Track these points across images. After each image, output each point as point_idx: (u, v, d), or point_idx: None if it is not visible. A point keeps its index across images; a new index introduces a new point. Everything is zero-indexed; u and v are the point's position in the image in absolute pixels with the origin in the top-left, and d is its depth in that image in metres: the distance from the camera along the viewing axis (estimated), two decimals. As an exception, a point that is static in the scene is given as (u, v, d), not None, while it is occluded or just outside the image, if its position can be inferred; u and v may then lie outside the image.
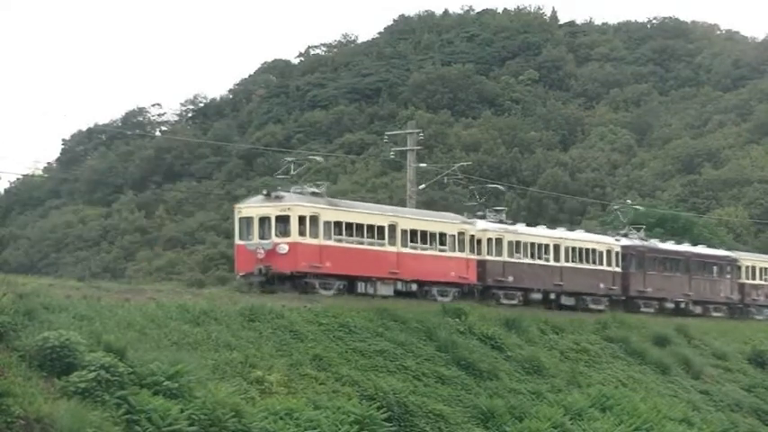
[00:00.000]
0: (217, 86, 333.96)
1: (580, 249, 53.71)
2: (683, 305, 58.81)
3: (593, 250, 54.51)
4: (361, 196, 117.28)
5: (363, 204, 48.40)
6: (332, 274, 41.22)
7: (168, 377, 23.18)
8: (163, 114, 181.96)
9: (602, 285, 54.29)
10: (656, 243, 60.50)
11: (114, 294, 29.06)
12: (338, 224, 42.10)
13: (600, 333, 42.31)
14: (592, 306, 52.59)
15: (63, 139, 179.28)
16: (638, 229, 61.21)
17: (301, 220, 40.77)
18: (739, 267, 63.84)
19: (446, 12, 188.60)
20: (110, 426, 21.12)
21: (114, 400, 21.82)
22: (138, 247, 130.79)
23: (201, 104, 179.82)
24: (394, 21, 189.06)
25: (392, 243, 43.92)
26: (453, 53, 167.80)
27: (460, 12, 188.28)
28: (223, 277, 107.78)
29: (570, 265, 52.78)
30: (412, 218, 46.27)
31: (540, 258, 51.38)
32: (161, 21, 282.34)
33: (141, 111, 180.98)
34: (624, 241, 57.34)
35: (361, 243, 42.90)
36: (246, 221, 41.72)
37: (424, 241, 45.39)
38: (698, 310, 59.72)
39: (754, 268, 64.93)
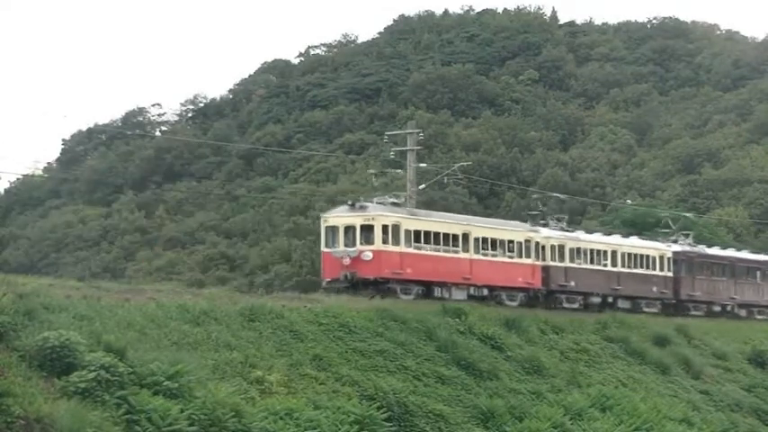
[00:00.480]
0: (217, 86, 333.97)
1: (635, 255, 56.29)
2: (728, 308, 61.19)
3: (647, 256, 57.17)
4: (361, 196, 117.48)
5: (439, 213, 50.67)
6: (411, 279, 43.70)
7: (168, 377, 23.17)
8: (163, 114, 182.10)
9: (654, 289, 56.79)
10: (703, 249, 63.01)
11: (114, 294, 29.04)
12: (417, 233, 44.59)
13: (600, 333, 42.32)
14: (645, 309, 54.77)
15: (63, 139, 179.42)
16: (687, 236, 63.79)
17: (384, 228, 43.32)
18: None
19: (446, 12, 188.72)
20: (110, 426, 21.12)
21: (114, 400, 21.81)
22: (138, 247, 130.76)
23: (201, 104, 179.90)
24: (394, 21, 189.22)
25: (465, 250, 46.44)
26: (453, 53, 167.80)
27: (460, 12, 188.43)
28: (223, 277, 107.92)
29: (626, 270, 55.29)
30: (483, 226, 49.10)
31: (598, 264, 53.83)
32: (161, 21, 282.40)
33: (141, 111, 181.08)
34: (675, 247, 59.78)
35: (438, 250, 45.35)
36: (332, 230, 44.20)
37: (494, 248, 47.94)
38: (743, 312, 62.00)
39: None
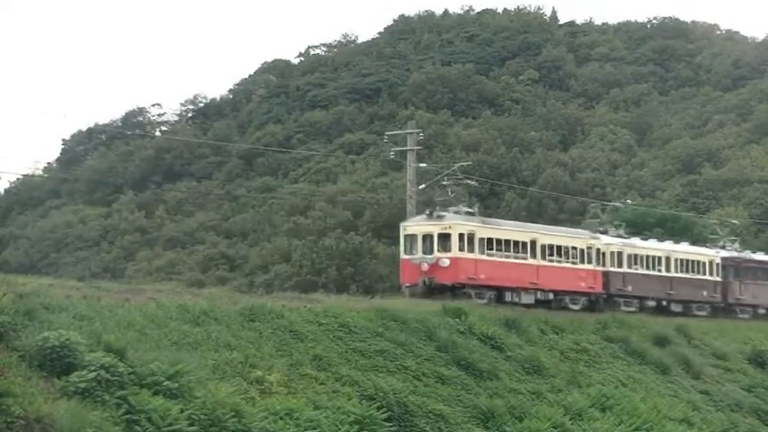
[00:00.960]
0: (217, 86, 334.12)
1: (687, 261, 58.96)
2: None
3: (698, 261, 59.77)
4: (361, 196, 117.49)
5: (507, 222, 54.19)
6: (485, 284, 46.30)
7: (168, 377, 23.16)
8: (163, 114, 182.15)
9: (704, 293, 59.36)
10: (749, 254, 65.46)
11: (114, 294, 29.03)
12: (489, 240, 47.35)
13: (600, 333, 42.30)
14: (696, 312, 57.19)
15: (63, 139, 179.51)
16: (733, 242, 66.71)
17: (460, 237, 46.14)
18: None
19: (446, 12, 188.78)
20: (110, 426, 21.11)
21: (114, 400, 21.80)
22: (138, 247, 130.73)
23: (201, 104, 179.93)
24: (394, 21, 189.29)
25: (533, 257, 49.20)
26: (453, 53, 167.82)
27: (460, 12, 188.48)
28: (223, 277, 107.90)
29: (679, 275, 57.93)
30: (549, 234, 51.76)
31: (653, 269, 56.50)
32: (161, 21, 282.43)
33: (141, 111, 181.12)
34: (723, 253, 62.53)
35: (508, 257, 48.08)
36: (411, 238, 47.15)
37: (558, 255, 50.50)
38: None
39: None
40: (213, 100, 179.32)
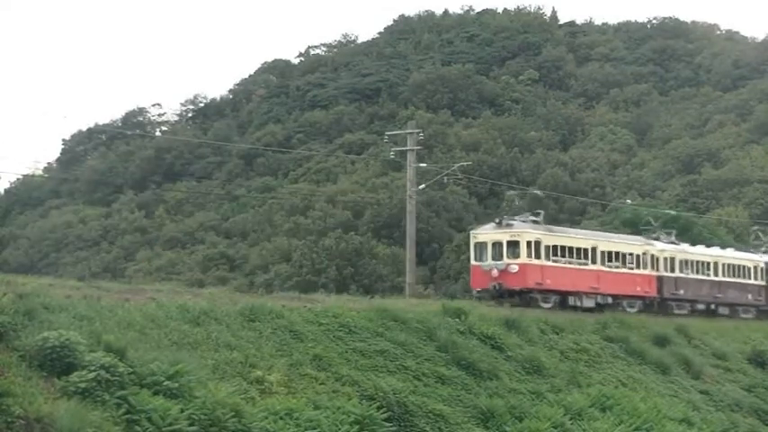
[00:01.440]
0: (217, 86, 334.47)
1: (733, 266, 61.48)
2: None
3: (744, 266, 62.27)
4: (361, 196, 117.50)
5: (570, 230, 56.95)
6: (550, 289, 48.86)
7: (168, 377, 23.14)
8: (163, 114, 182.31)
9: (749, 297, 61.91)
10: None
11: (114, 294, 29.01)
12: (554, 247, 49.96)
13: (600, 333, 42.25)
14: (742, 315, 59.60)
15: (63, 139, 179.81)
16: None
17: (528, 244, 48.67)
18: None
19: (446, 12, 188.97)
20: (110, 426, 21.10)
21: (114, 400, 21.79)
22: (138, 247, 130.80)
23: (201, 104, 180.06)
24: (394, 21, 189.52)
25: (593, 262, 51.74)
26: (453, 53, 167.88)
27: (460, 12, 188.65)
28: (223, 277, 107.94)
29: (726, 279, 60.56)
30: (608, 241, 54.46)
31: (703, 274, 59.10)
32: (161, 21, 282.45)
33: (141, 111, 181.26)
34: (767, 258, 64.99)
35: (571, 263, 50.57)
36: (480, 246, 49.60)
37: (617, 260, 53.17)
38: None
39: None
40: (213, 100, 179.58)
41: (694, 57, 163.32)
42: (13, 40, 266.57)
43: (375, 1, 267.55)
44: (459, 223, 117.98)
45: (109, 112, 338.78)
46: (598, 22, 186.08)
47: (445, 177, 64.22)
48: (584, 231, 58.05)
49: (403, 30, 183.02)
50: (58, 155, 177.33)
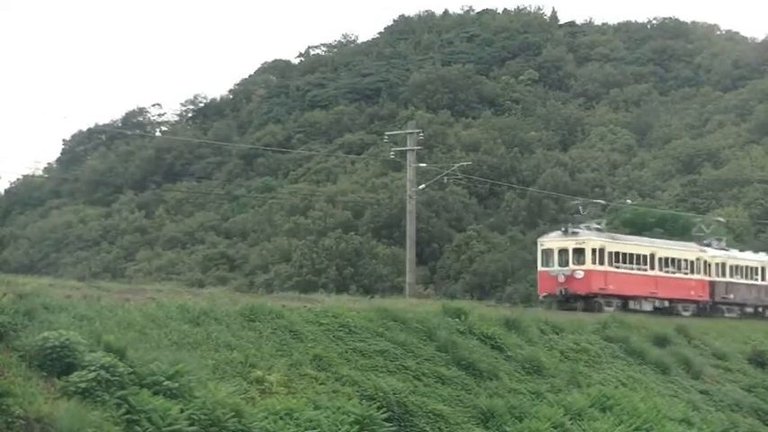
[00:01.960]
0: (217, 86, 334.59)
1: None
2: None
3: None
4: (361, 196, 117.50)
5: (630, 237, 59.35)
6: (613, 294, 51.84)
7: (168, 377, 23.13)
8: (163, 114, 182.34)
9: None
10: None
11: (114, 294, 28.98)
12: (617, 254, 52.96)
13: (600, 333, 42.23)
14: None
15: (63, 139, 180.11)
16: None
17: (593, 251, 51.74)
18: None
19: (446, 12, 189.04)
20: (110, 426, 21.09)
21: (114, 400, 21.77)
22: (138, 247, 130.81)
23: (201, 104, 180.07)
24: (394, 21, 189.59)
25: (652, 268, 54.64)
26: (453, 53, 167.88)
27: (460, 12, 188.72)
28: (223, 277, 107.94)
29: None
30: (665, 248, 57.25)
31: (751, 279, 61.78)
32: (161, 21, 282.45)
33: (141, 111, 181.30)
34: None
35: (632, 269, 53.49)
36: (547, 252, 52.85)
37: (673, 266, 55.99)
38: None
39: None
40: (213, 100, 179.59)
41: (694, 57, 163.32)
42: (13, 40, 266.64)
43: (375, 1, 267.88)
44: (459, 223, 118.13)
45: (109, 112, 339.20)
46: (598, 22, 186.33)
47: (445, 177, 64.29)
48: (643, 239, 60.42)
49: (403, 30, 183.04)
50: (58, 155, 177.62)
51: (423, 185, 58.31)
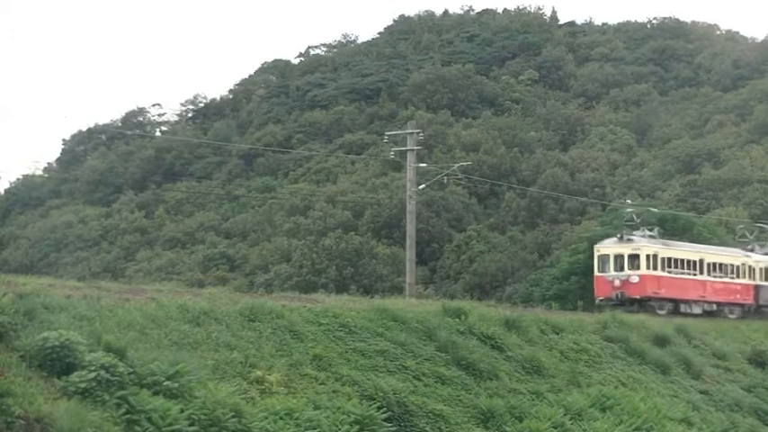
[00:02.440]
0: (217, 86, 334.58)
1: None
2: None
3: None
4: (361, 196, 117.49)
5: (681, 243, 61.34)
6: (665, 297, 54.67)
7: (168, 377, 23.13)
8: (163, 114, 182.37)
9: None
10: None
11: (114, 294, 28.96)
12: (669, 259, 55.85)
13: (600, 333, 42.21)
14: None
15: (63, 139, 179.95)
16: None
17: (647, 257, 54.68)
18: None
19: (446, 12, 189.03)
20: (110, 426, 21.09)
21: (114, 400, 21.77)
22: (138, 247, 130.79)
23: (201, 104, 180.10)
24: (394, 21, 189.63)
25: (701, 273, 57.37)
26: (453, 53, 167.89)
27: (460, 12, 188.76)
28: (223, 277, 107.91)
29: None
30: (713, 253, 59.84)
31: None
32: (161, 21, 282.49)
33: (141, 111, 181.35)
34: None
35: (682, 274, 56.17)
36: (603, 258, 55.86)
37: (720, 271, 58.70)
38: None
39: None
40: (213, 100, 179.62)
41: (694, 57, 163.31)
42: (14, 41, 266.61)
43: (375, 1, 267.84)
44: (458, 223, 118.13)
45: (109, 112, 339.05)
46: (598, 22, 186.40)
47: (445, 177, 64.29)
48: (692, 245, 62.22)
49: (403, 30, 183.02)
50: (58, 155, 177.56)
51: (423, 185, 58.25)
